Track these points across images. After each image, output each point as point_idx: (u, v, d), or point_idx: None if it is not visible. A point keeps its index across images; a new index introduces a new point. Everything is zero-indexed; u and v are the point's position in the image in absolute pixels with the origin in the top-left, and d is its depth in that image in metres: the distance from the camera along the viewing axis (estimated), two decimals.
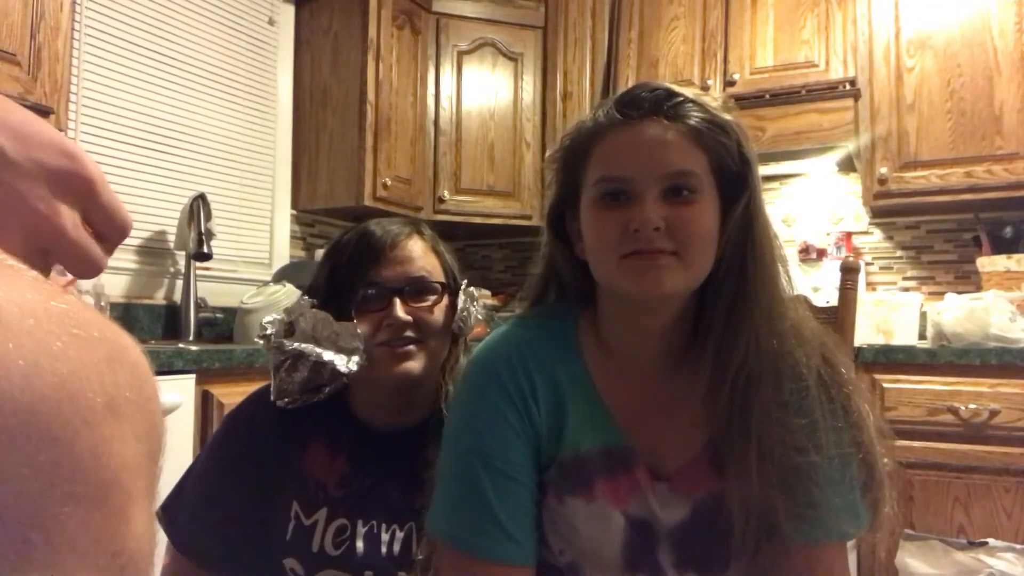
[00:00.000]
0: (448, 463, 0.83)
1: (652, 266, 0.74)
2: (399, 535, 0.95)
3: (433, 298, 0.97)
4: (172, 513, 1.02)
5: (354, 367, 0.92)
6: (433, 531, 0.81)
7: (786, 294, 0.79)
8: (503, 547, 0.77)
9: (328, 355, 0.92)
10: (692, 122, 0.76)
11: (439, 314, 0.97)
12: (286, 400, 0.96)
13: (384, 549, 0.94)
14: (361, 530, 0.95)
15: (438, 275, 0.99)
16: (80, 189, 0.40)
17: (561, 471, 0.81)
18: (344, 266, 0.97)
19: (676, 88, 0.79)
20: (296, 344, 0.93)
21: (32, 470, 0.22)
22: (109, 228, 0.42)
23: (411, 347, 0.94)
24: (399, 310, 0.93)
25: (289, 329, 0.95)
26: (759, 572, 0.79)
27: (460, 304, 1.00)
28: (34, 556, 0.22)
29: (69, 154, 0.39)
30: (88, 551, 0.23)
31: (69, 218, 0.40)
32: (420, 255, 0.98)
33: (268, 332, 0.96)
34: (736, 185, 0.78)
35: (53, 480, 0.23)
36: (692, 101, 0.78)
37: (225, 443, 1.03)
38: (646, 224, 0.74)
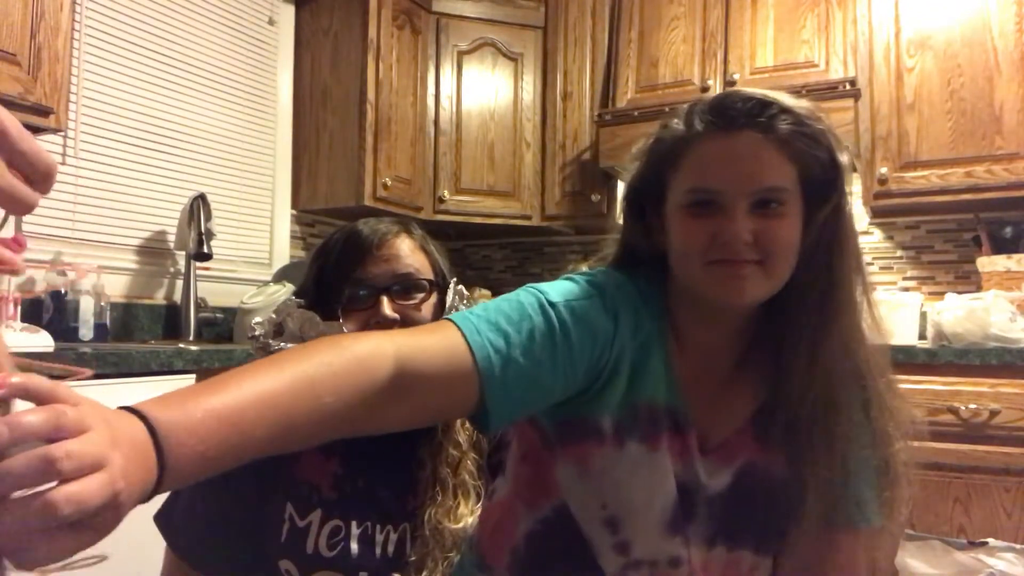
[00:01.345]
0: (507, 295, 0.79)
1: (736, 274, 0.76)
2: (393, 536, 0.95)
3: (421, 296, 0.97)
4: (169, 517, 1.02)
5: None
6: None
7: (861, 289, 0.82)
8: (482, 341, 0.69)
9: None
10: (783, 134, 0.77)
11: (427, 312, 0.96)
12: None
13: (378, 550, 0.94)
14: (355, 531, 0.94)
15: (426, 273, 0.98)
16: None
17: (634, 414, 0.81)
18: (332, 266, 0.97)
19: (769, 96, 0.79)
20: (283, 344, 0.93)
21: None
22: (33, 172, 0.46)
23: None
24: (386, 308, 0.93)
25: (278, 329, 0.95)
26: (784, 551, 0.83)
27: (448, 302, 0.99)
28: None
29: None
30: None
31: None
32: (408, 253, 0.97)
33: (257, 333, 0.96)
34: (823, 192, 0.79)
35: None
36: (785, 111, 0.78)
37: None
38: (736, 238, 0.76)
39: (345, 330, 0.92)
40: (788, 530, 0.81)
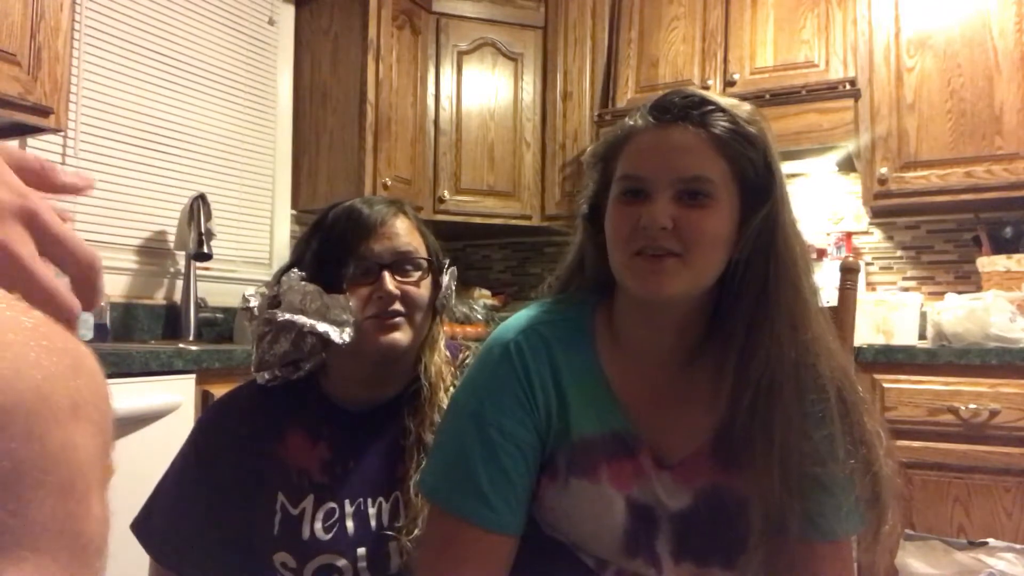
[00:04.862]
0: (446, 424, 0.87)
1: (656, 269, 0.77)
2: (385, 507, 0.97)
3: (419, 274, 1.00)
4: (147, 526, 1.02)
5: (347, 338, 0.94)
6: (421, 485, 0.87)
7: (810, 305, 0.80)
8: (480, 511, 0.80)
9: (322, 326, 0.93)
10: (717, 130, 0.78)
11: (425, 290, 1.00)
12: (266, 374, 0.98)
13: (373, 523, 0.96)
14: (349, 510, 0.97)
15: (422, 252, 1.02)
16: (29, 221, 0.36)
17: (570, 454, 0.83)
18: (333, 241, 0.99)
19: (709, 96, 0.81)
20: (286, 315, 0.94)
21: (12, 462, 0.25)
22: (72, 264, 0.37)
23: (399, 319, 0.97)
24: (389, 283, 0.96)
25: (274, 302, 0.97)
26: (764, 564, 0.81)
27: (444, 282, 1.04)
28: (11, 538, 0.25)
29: (15, 189, 0.35)
30: (58, 533, 0.27)
31: (25, 246, 0.35)
32: (405, 232, 1.01)
33: (252, 305, 0.98)
34: (760, 194, 0.80)
35: (30, 471, 0.26)
36: (722, 110, 0.79)
37: (197, 449, 1.04)
38: (653, 223, 0.76)
39: (352, 304, 0.94)
40: (760, 548, 0.79)
